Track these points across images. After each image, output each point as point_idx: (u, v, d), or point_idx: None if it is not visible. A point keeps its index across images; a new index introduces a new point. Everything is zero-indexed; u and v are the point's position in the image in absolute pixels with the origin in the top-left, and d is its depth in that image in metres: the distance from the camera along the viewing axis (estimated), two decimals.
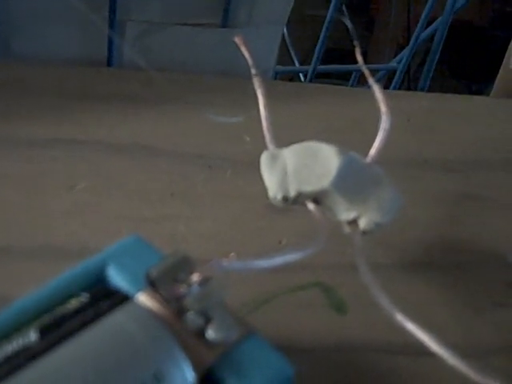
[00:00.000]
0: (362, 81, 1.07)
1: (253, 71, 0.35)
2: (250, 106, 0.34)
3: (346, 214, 0.32)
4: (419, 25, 0.67)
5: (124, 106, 0.43)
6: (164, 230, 0.35)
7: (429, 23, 0.69)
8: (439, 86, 0.71)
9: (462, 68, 1.65)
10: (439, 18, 0.71)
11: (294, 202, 0.32)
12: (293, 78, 1.27)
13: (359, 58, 0.34)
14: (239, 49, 0.35)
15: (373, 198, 0.32)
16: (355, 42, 0.35)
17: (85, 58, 0.59)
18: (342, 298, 0.33)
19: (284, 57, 1.06)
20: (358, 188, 0.32)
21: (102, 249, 0.25)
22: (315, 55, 0.61)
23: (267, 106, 0.34)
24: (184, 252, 0.24)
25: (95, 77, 0.46)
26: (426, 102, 0.48)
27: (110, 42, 0.58)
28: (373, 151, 0.33)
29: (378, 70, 0.79)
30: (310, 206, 0.32)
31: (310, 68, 0.66)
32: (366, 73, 0.34)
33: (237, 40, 0.35)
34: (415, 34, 0.67)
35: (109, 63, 0.59)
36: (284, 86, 0.49)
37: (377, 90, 0.33)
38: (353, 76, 0.75)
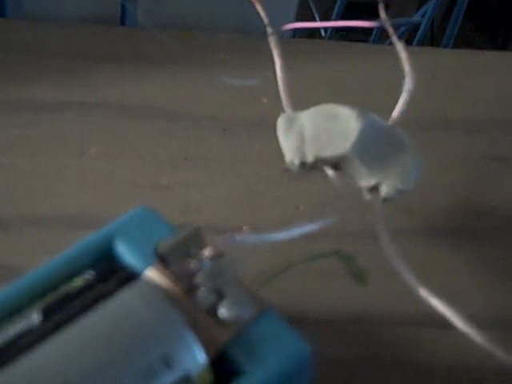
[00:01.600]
0: (384, 36, 1.04)
1: (268, 30, 0.33)
2: (266, 66, 0.32)
3: (366, 180, 0.30)
4: None
5: (136, 67, 0.42)
6: (177, 197, 0.34)
7: None
8: (463, 38, 0.68)
9: (486, 20, 1.61)
10: None
11: (312, 168, 0.31)
12: (313, 33, 1.25)
13: (382, 13, 0.32)
14: (254, 5, 0.34)
15: (394, 163, 0.31)
16: None
17: (98, 16, 0.58)
18: (362, 267, 0.32)
19: (305, 11, 1.04)
20: (379, 153, 0.31)
21: (114, 218, 0.24)
22: (335, 10, 0.59)
23: (284, 66, 0.33)
24: (195, 226, 0.23)
25: (107, 37, 0.44)
26: (451, 58, 0.46)
27: (123, 3, 0.57)
28: (395, 114, 0.31)
29: (400, 25, 0.76)
30: (329, 171, 0.31)
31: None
32: (390, 30, 0.32)
33: None
34: None
35: (122, 22, 0.58)
36: (302, 44, 0.47)
37: (400, 47, 0.32)
38: (374, 31, 0.73)
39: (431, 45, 1.40)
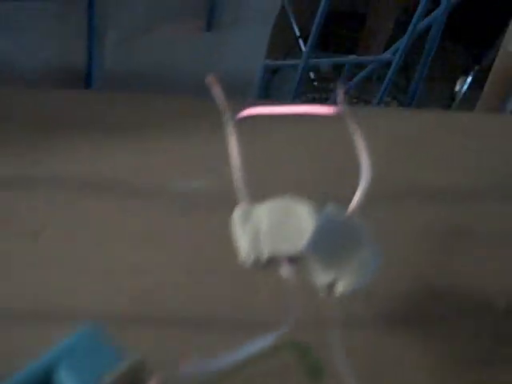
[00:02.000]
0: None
1: (226, 116, 0.32)
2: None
3: (322, 277, 0.30)
4: (416, 15, 0.64)
5: (96, 136, 0.41)
6: (132, 284, 0.33)
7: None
8: (439, 50, 0.68)
9: (462, 32, 1.61)
10: (437, 10, 0.68)
11: (267, 264, 0.30)
12: (290, 52, 1.24)
13: (340, 99, 0.32)
14: (211, 88, 0.33)
15: (351, 259, 0.30)
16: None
17: (63, 66, 0.57)
18: (318, 360, 0.32)
19: (284, 22, 1.02)
20: (336, 249, 0.30)
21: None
22: (316, 21, 0.58)
23: (241, 150, 0.32)
24: (139, 357, 0.22)
25: (67, 103, 0.44)
26: (416, 120, 0.46)
27: (90, 50, 0.56)
28: (353, 205, 0.31)
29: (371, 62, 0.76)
30: (284, 270, 0.30)
31: (300, 62, 0.63)
32: (347, 117, 0.32)
33: (209, 80, 0.33)
34: (412, 24, 0.64)
35: (88, 71, 0.57)
36: (256, 121, 0.46)
37: (357, 134, 0.31)
38: (345, 69, 0.73)
39: (405, 77, 1.40)
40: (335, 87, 0.33)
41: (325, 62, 0.74)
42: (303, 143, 0.41)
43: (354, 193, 0.31)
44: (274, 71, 1.05)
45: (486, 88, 0.98)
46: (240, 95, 0.63)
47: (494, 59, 1.53)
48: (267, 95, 1.09)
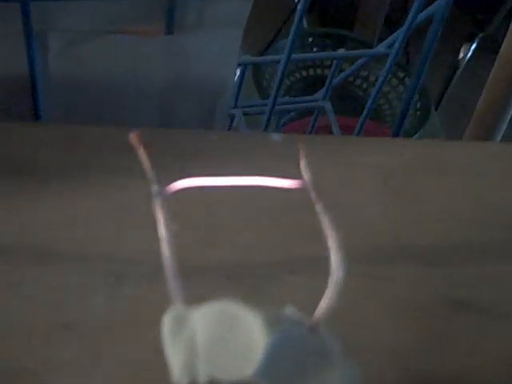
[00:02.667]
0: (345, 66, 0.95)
1: (153, 189, 0.25)
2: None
3: None
4: (415, 6, 0.55)
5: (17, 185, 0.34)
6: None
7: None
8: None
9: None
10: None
11: None
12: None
13: (304, 172, 0.24)
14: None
15: (316, 381, 0.23)
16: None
17: (5, 75, 0.49)
18: None
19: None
20: (296, 369, 0.23)
21: None
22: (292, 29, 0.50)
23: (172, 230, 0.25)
24: None
25: None
26: (410, 153, 0.38)
27: (31, 56, 0.48)
28: (318, 313, 0.23)
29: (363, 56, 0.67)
30: None
31: (281, 58, 0.55)
32: (312, 196, 0.24)
33: (132, 139, 0.25)
34: (410, 15, 0.55)
35: (32, 80, 0.49)
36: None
37: (325, 224, 0.23)
38: (334, 64, 0.64)
39: (406, 53, 1.31)
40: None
41: (311, 57, 0.66)
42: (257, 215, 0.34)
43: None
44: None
45: (493, 72, 0.91)
46: (212, 104, 0.55)
47: (498, 26, 1.44)
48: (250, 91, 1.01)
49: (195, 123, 0.55)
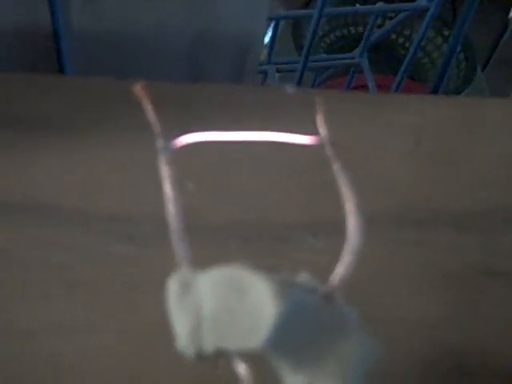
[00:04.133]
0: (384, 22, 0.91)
1: (159, 144, 0.23)
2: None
3: (291, 379, 0.21)
4: None
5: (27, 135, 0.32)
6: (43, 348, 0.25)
7: None
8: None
9: None
10: None
11: (215, 357, 0.22)
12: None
13: (322, 129, 0.22)
14: None
15: (330, 355, 0.21)
16: None
17: (26, 25, 0.48)
18: None
19: None
20: (309, 341, 0.21)
21: None
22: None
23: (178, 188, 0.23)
24: None
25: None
26: (445, 110, 0.35)
27: (54, 12, 0.46)
28: (334, 280, 0.22)
29: (403, 10, 0.64)
30: (239, 367, 0.21)
31: (314, 13, 0.52)
32: (329, 152, 0.22)
33: (136, 89, 0.23)
34: None
35: (55, 31, 0.47)
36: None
37: (343, 183, 0.21)
38: (372, 19, 0.61)
39: (452, 8, 1.25)
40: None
41: (346, 11, 0.63)
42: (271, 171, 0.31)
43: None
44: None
45: None
46: (241, 59, 0.53)
47: None
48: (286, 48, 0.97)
49: (224, 79, 0.53)
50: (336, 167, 0.21)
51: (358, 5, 1.12)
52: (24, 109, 0.33)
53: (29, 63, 0.49)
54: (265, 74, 0.66)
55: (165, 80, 0.49)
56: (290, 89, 0.29)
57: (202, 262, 0.22)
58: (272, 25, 0.62)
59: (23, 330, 0.25)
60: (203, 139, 0.22)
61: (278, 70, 0.67)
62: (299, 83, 0.61)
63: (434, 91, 0.53)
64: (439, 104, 0.36)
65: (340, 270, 0.21)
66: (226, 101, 0.33)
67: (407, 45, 1.17)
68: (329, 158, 0.22)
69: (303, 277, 0.22)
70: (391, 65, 1.15)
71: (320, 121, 0.22)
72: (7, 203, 0.30)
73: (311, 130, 0.22)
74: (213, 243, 0.28)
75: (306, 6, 1.20)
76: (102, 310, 0.26)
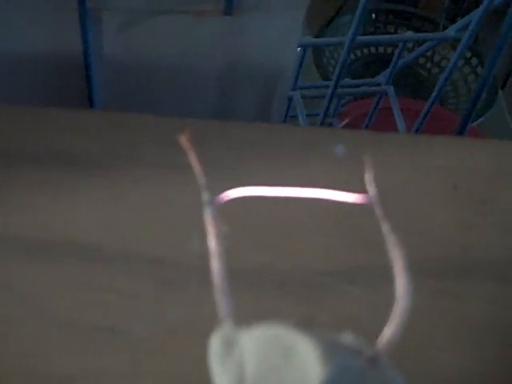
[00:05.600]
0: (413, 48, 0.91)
1: (204, 197, 0.23)
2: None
3: None
4: None
5: (59, 177, 0.32)
6: None
7: None
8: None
9: None
10: None
11: None
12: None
13: (371, 189, 0.22)
14: None
15: None
16: None
17: (57, 55, 0.48)
18: None
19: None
20: None
21: None
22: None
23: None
24: None
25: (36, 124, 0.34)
26: (485, 154, 0.35)
27: (85, 36, 0.46)
28: (381, 341, 0.21)
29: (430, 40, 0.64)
30: None
31: (345, 39, 0.52)
32: (378, 212, 0.22)
33: (183, 139, 0.23)
34: None
35: (86, 61, 0.48)
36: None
37: (392, 242, 0.21)
38: (400, 47, 0.61)
39: (475, 56, 1.24)
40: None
41: (375, 40, 0.63)
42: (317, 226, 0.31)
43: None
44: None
45: None
46: (271, 88, 0.53)
47: None
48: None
49: (253, 108, 0.53)
50: (385, 228, 0.21)
51: (378, 25, 1.12)
52: (58, 144, 0.33)
53: (54, 89, 0.49)
54: (289, 99, 0.66)
55: (192, 110, 0.49)
56: (340, 149, 0.28)
57: (238, 306, 0.22)
58: (298, 51, 0.62)
59: (64, 374, 0.25)
60: (249, 194, 0.22)
61: (302, 96, 0.66)
62: (327, 110, 0.61)
63: (464, 125, 0.52)
64: (474, 147, 0.35)
65: (388, 333, 0.21)
66: (270, 144, 0.33)
67: (428, 66, 1.17)
68: (378, 218, 0.21)
69: (348, 337, 0.22)
70: (412, 87, 1.15)
71: (368, 179, 0.21)
72: (45, 241, 0.29)
73: (357, 186, 0.22)
74: (248, 288, 0.28)
75: (329, 23, 1.20)
76: (141, 355, 0.26)
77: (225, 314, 0.22)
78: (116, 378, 0.25)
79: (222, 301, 0.22)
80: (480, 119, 1.06)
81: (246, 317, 0.22)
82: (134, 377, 0.26)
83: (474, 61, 1.13)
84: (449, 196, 0.32)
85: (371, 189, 0.21)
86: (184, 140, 0.23)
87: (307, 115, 0.65)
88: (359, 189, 0.23)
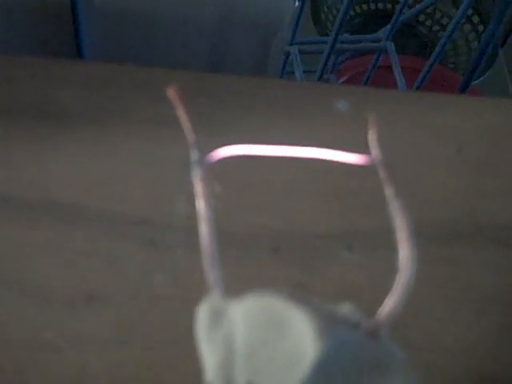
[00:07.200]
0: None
1: (193, 157, 0.21)
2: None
3: None
4: None
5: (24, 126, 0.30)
6: (72, 361, 0.23)
7: None
8: None
9: None
10: None
11: None
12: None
13: (374, 150, 0.20)
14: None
15: None
16: None
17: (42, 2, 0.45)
18: None
19: None
20: (349, 382, 0.19)
21: None
22: None
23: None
24: None
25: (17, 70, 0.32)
26: (491, 113, 0.33)
27: None
28: (381, 313, 0.20)
29: None
30: None
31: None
32: (381, 173, 0.20)
33: (170, 94, 0.21)
34: None
35: (74, 9, 0.45)
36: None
37: (395, 207, 0.19)
38: (401, 3, 0.59)
39: (477, 14, 1.21)
40: None
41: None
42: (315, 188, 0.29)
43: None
44: None
45: None
46: (267, 39, 0.51)
47: None
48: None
49: (249, 60, 0.51)
50: (389, 192, 0.19)
51: None
52: (42, 96, 0.31)
53: (41, 38, 0.47)
54: (286, 55, 0.63)
55: (185, 61, 0.47)
56: (342, 105, 0.27)
57: (228, 271, 0.21)
58: (296, 5, 0.59)
59: (46, 342, 0.24)
60: (241, 153, 0.20)
61: (300, 51, 0.64)
62: (324, 66, 0.59)
63: (465, 85, 0.51)
64: (480, 106, 0.33)
65: (388, 305, 0.19)
66: (267, 100, 0.31)
67: (428, 23, 1.14)
68: (380, 180, 0.20)
69: (346, 308, 0.20)
70: (412, 43, 1.12)
71: (372, 140, 0.20)
72: (23, 199, 0.28)
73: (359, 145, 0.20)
74: (240, 253, 0.26)
75: None
76: (125, 322, 0.24)
77: (213, 282, 0.20)
78: (95, 345, 0.24)
79: (210, 268, 0.20)
80: (480, 78, 1.04)
81: (236, 284, 0.20)
82: (115, 343, 0.24)
83: (475, 19, 1.10)
84: (453, 158, 0.30)
85: (374, 150, 0.20)
86: (172, 94, 0.21)
87: (304, 71, 0.63)
88: (360, 148, 0.21)
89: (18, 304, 0.25)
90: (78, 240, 0.26)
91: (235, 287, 0.20)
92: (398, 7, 0.60)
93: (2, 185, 0.28)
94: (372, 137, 0.19)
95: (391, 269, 0.20)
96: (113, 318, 0.25)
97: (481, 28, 1.09)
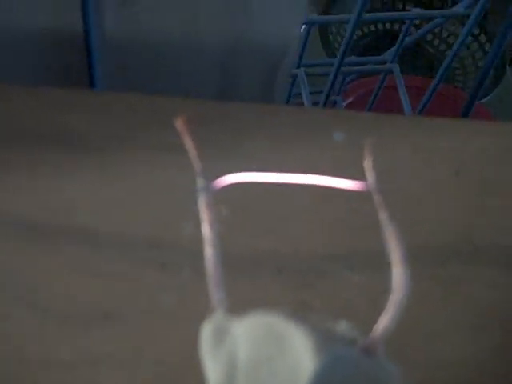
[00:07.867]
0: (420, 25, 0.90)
1: (199, 183, 0.22)
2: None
3: None
4: None
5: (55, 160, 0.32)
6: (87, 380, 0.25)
7: None
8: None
9: None
10: None
11: None
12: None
13: (370, 176, 0.21)
14: None
15: None
16: None
17: (57, 30, 0.47)
18: None
19: None
20: None
21: None
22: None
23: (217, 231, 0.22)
24: None
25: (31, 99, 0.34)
26: (489, 136, 0.34)
27: (86, 13, 0.45)
28: (377, 331, 0.21)
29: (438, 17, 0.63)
30: None
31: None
32: (377, 198, 0.21)
33: (178, 124, 0.22)
34: None
35: (86, 38, 0.47)
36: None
37: (392, 237, 0.21)
38: (407, 25, 0.60)
39: (484, 33, 1.22)
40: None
41: (381, 17, 0.62)
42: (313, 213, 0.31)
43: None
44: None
45: None
46: (274, 64, 0.52)
47: None
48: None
49: (256, 86, 0.53)
50: (383, 217, 0.20)
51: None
52: (54, 125, 0.33)
53: (58, 71, 0.49)
54: (294, 77, 0.65)
55: (195, 89, 0.48)
56: (337, 136, 0.28)
57: (233, 292, 0.22)
58: (303, 29, 0.61)
59: (62, 361, 0.25)
60: (245, 180, 0.22)
61: (306, 73, 0.66)
62: (331, 88, 0.60)
63: (470, 103, 0.52)
64: (480, 129, 0.35)
65: (383, 323, 0.21)
66: (271, 128, 0.32)
67: (436, 43, 1.15)
68: (376, 205, 0.21)
69: (343, 326, 0.21)
70: (420, 62, 1.13)
71: (368, 166, 0.21)
72: (42, 223, 0.29)
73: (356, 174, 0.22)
74: (244, 275, 0.28)
75: (333, 2, 1.19)
76: (138, 341, 0.26)
77: (217, 302, 0.22)
78: (110, 365, 0.25)
79: (214, 288, 0.22)
80: (487, 97, 1.05)
81: (240, 304, 0.22)
82: (129, 363, 0.25)
83: (483, 38, 1.11)
84: (451, 181, 0.31)
85: (370, 176, 0.21)
86: (179, 123, 0.22)
87: (311, 93, 0.65)
88: (359, 174, 0.22)
89: (35, 324, 0.26)
90: (91, 262, 0.28)
91: (239, 307, 0.22)
92: (403, 29, 0.62)
93: (23, 209, 0.29)
94: (368, 164, 0.21)
95: (390, 289, 0.21)
96: (125, 336, 0.26)
97: (487, 47, 1.10)
